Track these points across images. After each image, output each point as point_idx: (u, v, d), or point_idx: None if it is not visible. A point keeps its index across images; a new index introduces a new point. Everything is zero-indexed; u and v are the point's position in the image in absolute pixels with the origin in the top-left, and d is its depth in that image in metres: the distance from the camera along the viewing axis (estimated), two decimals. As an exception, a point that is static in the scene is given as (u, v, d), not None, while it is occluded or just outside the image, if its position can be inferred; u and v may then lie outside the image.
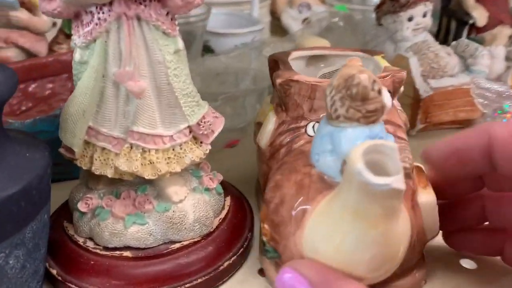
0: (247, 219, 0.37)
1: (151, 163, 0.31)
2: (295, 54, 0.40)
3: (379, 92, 0.25)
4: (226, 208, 0.37)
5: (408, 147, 0.33)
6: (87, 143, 0.32)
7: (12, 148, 0.28)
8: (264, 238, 0.30)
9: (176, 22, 0.31)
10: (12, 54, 0.56)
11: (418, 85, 0.51)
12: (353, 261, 0.25)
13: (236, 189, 0.41)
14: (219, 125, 0.34)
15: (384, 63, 0.37)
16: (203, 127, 0.33)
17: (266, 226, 0.30)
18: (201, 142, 0.34)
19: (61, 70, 0.48)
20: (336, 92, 0.26)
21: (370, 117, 0.26)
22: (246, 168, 0.47)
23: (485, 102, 0.42)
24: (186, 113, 0.32)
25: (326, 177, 0.28)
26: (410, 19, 0.57)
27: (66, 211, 0.36)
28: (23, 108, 0.46)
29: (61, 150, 0.32)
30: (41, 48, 0.55)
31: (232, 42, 0.69)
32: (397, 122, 0.34)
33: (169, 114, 0.32)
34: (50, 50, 0.57)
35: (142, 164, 0.31)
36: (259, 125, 0.38)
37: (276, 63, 0.38)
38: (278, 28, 0.91)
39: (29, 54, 0.55)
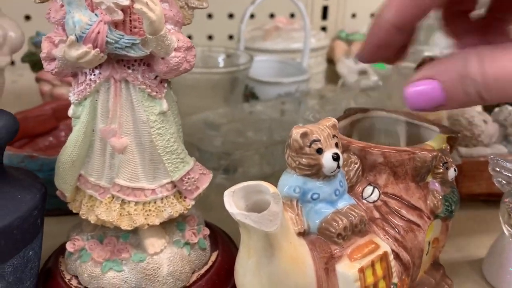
0: (231, 278, 0.38)
1: (128, 214, 0.33)
2: (372, 113, 0.42)
3: (318, 151, 0.28)
4: (210, 263, 0.38)
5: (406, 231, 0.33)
6: (79, 188, 0.34)
7: (3, 189, 0.31)
8: None
9: (166, 85, 0.33)
10: (65, 92, 0.62)
11: (446, 152, 0.49)
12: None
13: (232, 242, 0.42)
14: (205, 181, 0.36)
15: (438, 142, 0.36)
16: (186, 183, 0.34)
17: None
18: (185, 197, 0.35)
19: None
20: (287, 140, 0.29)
21: (303, 170, 0.29)
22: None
23: (503, 182, 0.39)
24: (169, 169, 0.33)
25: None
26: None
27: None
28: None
29: (58, 193, 0.35)
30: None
31: (275, 90, 0.70)
32: (415, 203, 0.34)
33: (152, 169, 0.33)
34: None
35: (120, 215, 0.33)
36: None
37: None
38: (334, 75, 0.91)
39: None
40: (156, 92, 0.32)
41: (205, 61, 0.70)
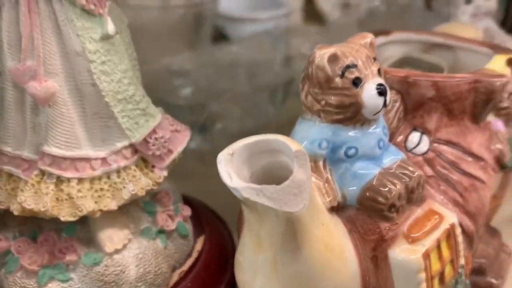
0: (225, 271, 0.27)
1: (69, 198, 0.22)
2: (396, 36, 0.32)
3: (355, 82, 0.20)
4: (195, 255, 0.27)
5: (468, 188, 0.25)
6: (-9, 165, 0.23)
7: None
8: None
9: (109, -5, 0.21)
10: None
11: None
12: None
13: (222, 222, 0.31)
14: (180, 141, 0.25)
15: (498, 65, 0.26)
16: (153, 145, 0.23)
17: None
18: (153, 166, 0.24)
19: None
20: (303, 70, 0.20)
21: (333, 114, 0.20)
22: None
23: None
24: (125, 127, 0.22)
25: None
26: (468, 1, 0.46)
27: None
28: None
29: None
30: None
31: (251, 28, 0.59)
32: (476, 151, 0.25)
33: (99, 128, 0.22)
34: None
35: (56, 200, 0.22)
36: None
37: None
38: (312, 14, 0.80)
39: None
40: (95, 5, 0.20)
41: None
